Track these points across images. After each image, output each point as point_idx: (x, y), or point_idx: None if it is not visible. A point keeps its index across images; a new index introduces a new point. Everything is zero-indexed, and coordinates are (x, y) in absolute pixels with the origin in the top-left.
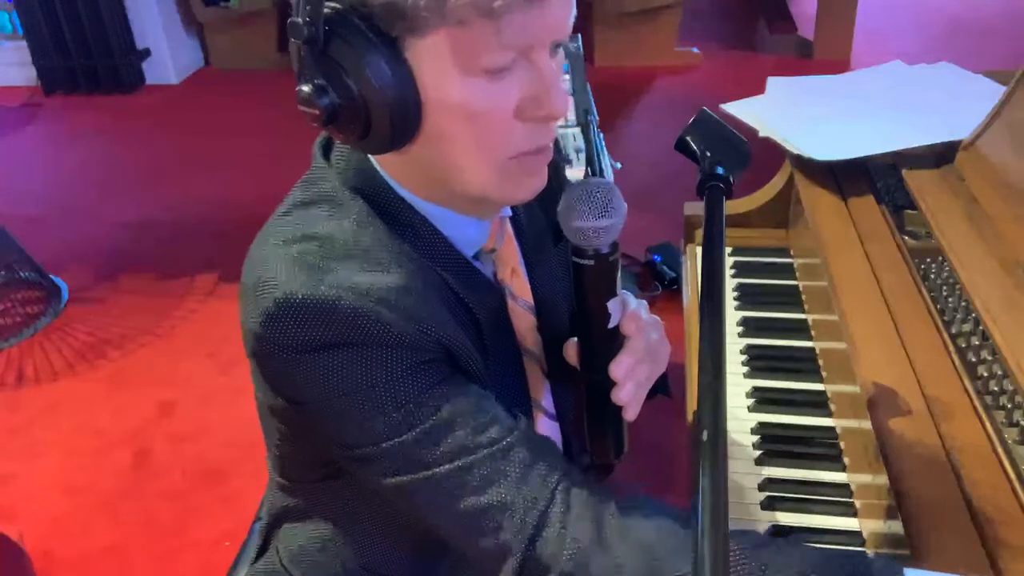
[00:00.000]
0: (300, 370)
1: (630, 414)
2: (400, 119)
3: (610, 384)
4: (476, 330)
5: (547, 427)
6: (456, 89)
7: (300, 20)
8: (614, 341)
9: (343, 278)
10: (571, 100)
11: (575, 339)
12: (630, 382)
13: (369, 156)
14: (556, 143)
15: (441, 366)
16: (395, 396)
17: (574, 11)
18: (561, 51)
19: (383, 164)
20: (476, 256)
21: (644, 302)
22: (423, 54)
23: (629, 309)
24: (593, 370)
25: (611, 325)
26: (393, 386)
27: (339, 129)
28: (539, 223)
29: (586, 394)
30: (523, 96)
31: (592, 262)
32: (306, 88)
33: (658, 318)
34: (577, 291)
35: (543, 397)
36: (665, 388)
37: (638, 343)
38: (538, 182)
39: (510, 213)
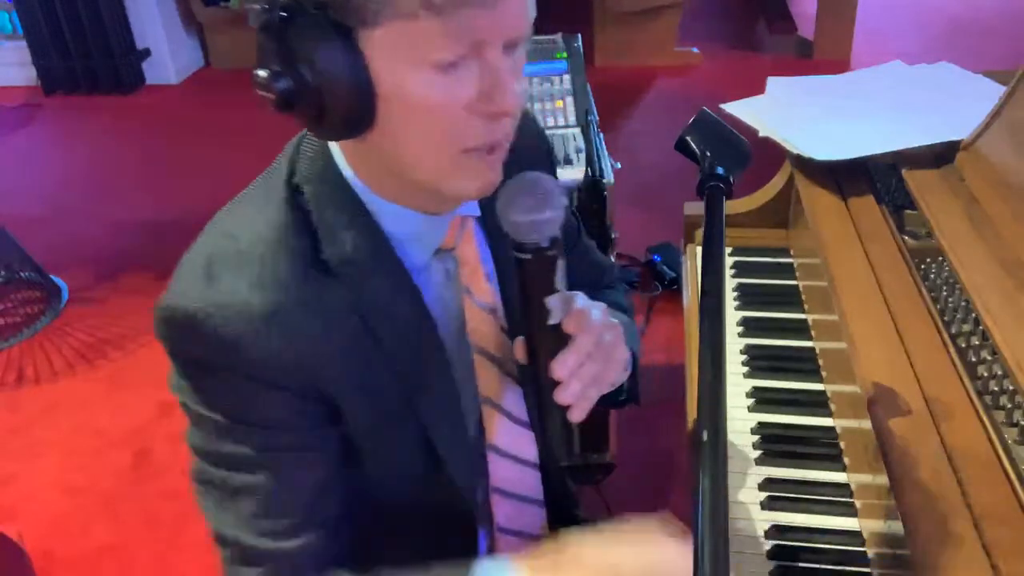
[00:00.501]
0: (172, 364)
1: (574, 415)
2: (352, 108)
3: (554, 384)
4: (377, 338)
5: (507, 430)
6: (407, 81)
7: (258, 7)
8: (559, 339)
9: (225, 292)
10: (571, 100)
11: (522, 337)
12: (574, 382)
13: (330, 145)
14: (548, 143)
15: (289, 399)
16: (219, 417)
17: (531, 11)
18: (522, 50)
19: (344, 153)
20: (436, 254)
21: (602, 304)
22: (375, 45)
23: (575, 307)
24: (537, 368)
25: (552, 322)
26: (221, 407)
27: (295, 115)
28: None
29: (534, 393)
30: (474, 92)
31: (530, 256)
32: (262, 73)
33: (616, 321)
34: (519, 287)
35: (503, 399)
36: (634, 397)
37: (584, 342)
38: (492, 177)
39: (478, 213)
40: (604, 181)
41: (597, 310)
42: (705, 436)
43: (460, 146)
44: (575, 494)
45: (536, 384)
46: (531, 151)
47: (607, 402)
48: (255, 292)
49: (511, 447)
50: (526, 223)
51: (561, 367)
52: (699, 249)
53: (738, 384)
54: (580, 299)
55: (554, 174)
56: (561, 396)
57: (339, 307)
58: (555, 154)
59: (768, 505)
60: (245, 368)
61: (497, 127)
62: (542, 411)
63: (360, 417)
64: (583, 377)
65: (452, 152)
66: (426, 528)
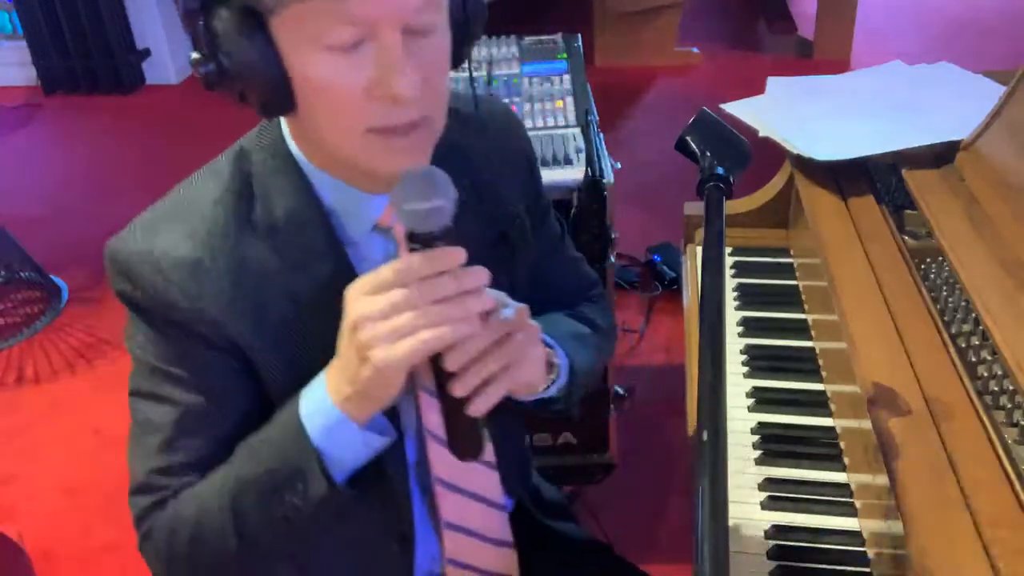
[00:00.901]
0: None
1: (472, 409)
2: (266, 92)
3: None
4: (299, 302)
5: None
6: (307, 64)
7: None
8: None
9: (159, 241)
10: (571, 100)
11: None
12: (469, 375)
13: (280, 120)
14: (527, 149)
15: (192, 347)
16: (146, 357)
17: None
18: (437, 39)
19: (288, 126)
20: (375, 230)
21: (522, 306)
22: (281, 29)
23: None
24: (435, 361)
25: None
26: (147, 348)
27: (223, 94)
28: (482, 222)
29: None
30: (370, 76)
31: (419, 246)
32: (193, 55)
33: (534, 323)
34: None
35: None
36: (571, 407)
37: (482, 337)
38: (404, 159)
39: None
40: (604, 181)
41: (510, 309)
42: (705, 436)
43: (362, 127)
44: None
45: (439, 379)
46: (510, 154)
47: (539, 407)
48: (185, 244)
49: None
50: (417, 212)
51: (453, 359)
52: (699, 249)
53: (738, 384)
54: (490, 295)
55: (534, 180)
56: (454, 388)
57: (263, 269)
58: (535, 160)
59: (768, 505)
60: (167, 313)
61: (398, 111)
62: (442, 404)
63: (280, 381)
64: (480, 372)
65: (357, 132)
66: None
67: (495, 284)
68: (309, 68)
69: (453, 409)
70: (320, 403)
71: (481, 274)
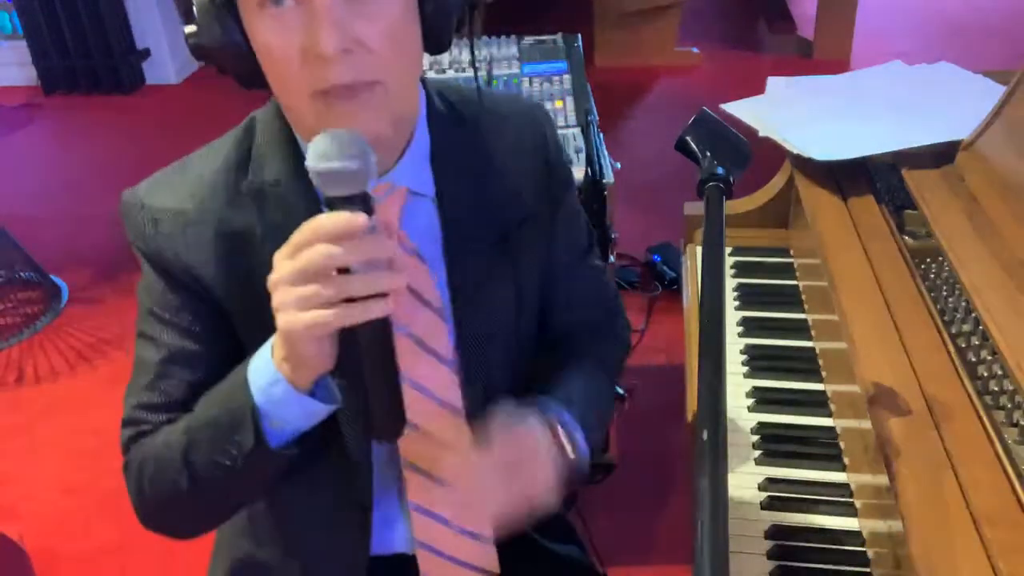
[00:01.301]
0: None
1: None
2: (234, 62)
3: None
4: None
5: (430, 410)
6: (251, 28)
7: None
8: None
9: (159, 194)
10: (571, 100)
11: None
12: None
13: None
14: (545, 140)
15: (180, 296)
16: (147, 301)
17: None
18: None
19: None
20: None
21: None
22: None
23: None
24: (356, 349)
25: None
26: (148, 292)
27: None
28: (482, 222)
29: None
30: (302, 36)
31: (328, 209)
32: (185, 29)
33: (542, 438)
34: None
35: (415, 372)
36: (597, 473)
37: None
38: (351, 123)
39: (426, 192)
40: (604, 181)
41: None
42: (705, 436)
43: (305, 90)
44: None
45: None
46: (525, 154)
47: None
48: (179, 198)
49: (429, 422)
50: (320, 172)
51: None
52: (699, 249)
53: (738, 384)
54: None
55: (554, 184)
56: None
57: (247, 233)
58: (559, 164)
59: (768, 505)
60: (158, 261)
61: (329, 70)
62: (355, 377)
63: (258, 342)
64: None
65: (305, 98)
66: (314, 478)
67: (495, 290)
68: (252, 32)
69: (364, 380)
70: (264, 361)
71: (385, 241)
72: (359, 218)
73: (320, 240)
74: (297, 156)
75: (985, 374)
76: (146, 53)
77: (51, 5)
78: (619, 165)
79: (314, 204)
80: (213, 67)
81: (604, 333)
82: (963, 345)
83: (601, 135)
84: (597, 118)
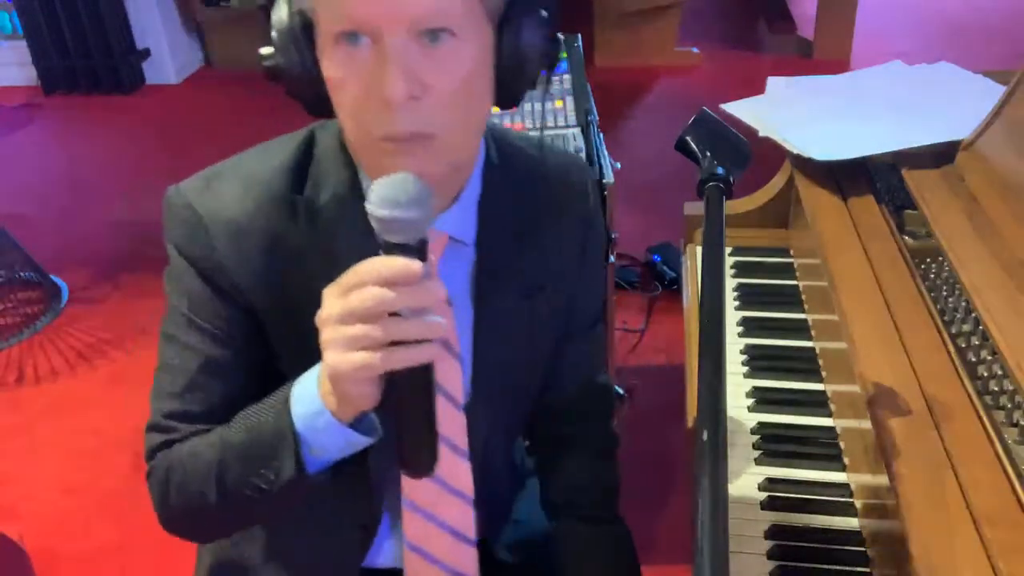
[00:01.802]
0: None
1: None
2: (304, 91)
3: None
4: (318, 294)
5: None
6: (326, 58)
7: None
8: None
9: (210, 196)
10: (571, 100)
11: None
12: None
13: None
14: (586, 195)
15: (220, 303)
16: (180, 304)
17: (441, 2)
18: (451, 49)
19: None
20: None
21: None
22: (317, 28)
23: None
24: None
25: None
26: (182, 296)
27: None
28: (513, 274)
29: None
30: (368, 77)
31: (384, 252)
32: (260, 50)
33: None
34: None
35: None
36: None
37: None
38: (409, 168)
39: (466, 239)
40: (604, 181)
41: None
42: (705, 436)
43: (367, 131)
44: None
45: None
46: (565, 211)
47: None
48: (234, 206)
49: (443, 472)
50: (378, 218)
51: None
52: (699, 249)
53: (738, 384)
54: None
55: (588, 246)
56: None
57: (296, 249)
58: (594, 227)
59: (768, 505)
60: (204, 268)
61: (394, 116)
62: (394, 412)
63: (292, 360)
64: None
65: (366, 137)
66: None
67: (513, 342)
68: (327, 66)
69: (404, 418)
70: (309, 389)
71: (437, 288)
72: (415, 265)
73: (374, 283)
74: (354, 181)
75: (985, 374)
76: (146, 53)
77: (51, 5)
78: (619, 165)
79: (366, 231)
80: (222, 70)
81: (593, 414)
82: (963, 345)
83: (601, 135)
84: (597, 118)
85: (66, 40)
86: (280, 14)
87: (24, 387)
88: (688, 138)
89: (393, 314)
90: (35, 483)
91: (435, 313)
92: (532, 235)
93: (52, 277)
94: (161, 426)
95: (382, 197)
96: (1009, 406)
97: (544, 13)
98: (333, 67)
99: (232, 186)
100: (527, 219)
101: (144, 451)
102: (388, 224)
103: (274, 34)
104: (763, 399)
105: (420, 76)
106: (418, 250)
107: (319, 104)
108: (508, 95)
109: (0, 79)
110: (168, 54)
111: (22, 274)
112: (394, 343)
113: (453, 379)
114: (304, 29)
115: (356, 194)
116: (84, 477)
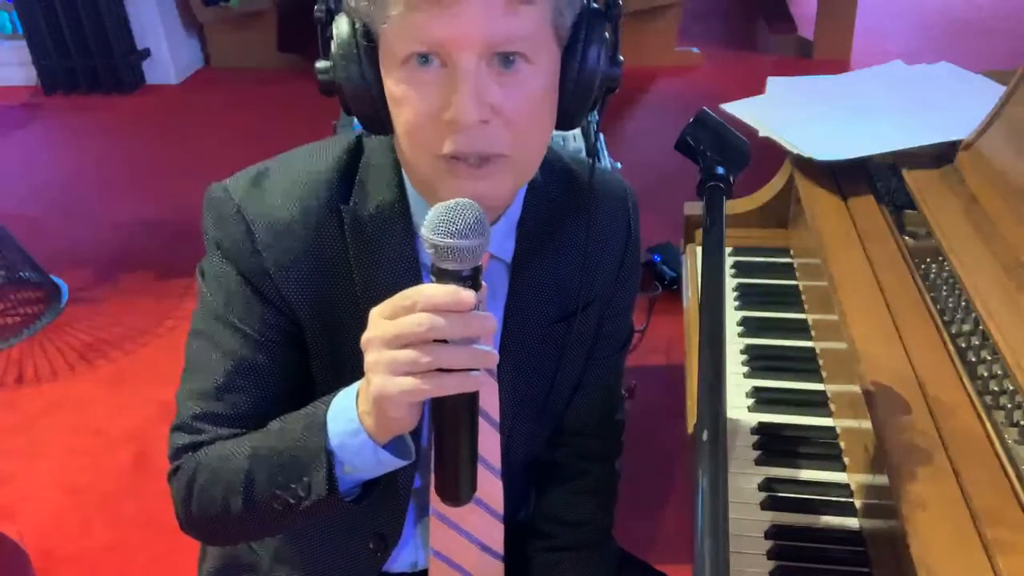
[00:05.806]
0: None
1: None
2: (363, 107)
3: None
4: (358, 306)
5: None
6: (390, 77)
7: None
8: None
9: (256, 195)
10: None
11: None
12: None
13: None
14: (628, 225)
15: (259, 306)
16: (215, 302)
17: (512, 22)
18: (523, 73)
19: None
20: None
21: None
22: (381, 46)
23: None
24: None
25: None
26: (218, 294)
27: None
28: (549, 297)
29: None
30: (438, 98)
31: (435, 278)
32: (317, 64)
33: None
34: None
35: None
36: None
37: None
38: (469, 189)
39: (506, 257)
40: None
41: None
42: (705, 436)
43: (433, 151)
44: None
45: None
46: (608, 239)
47: None
48: (280, 209)
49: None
50: (434, 245)
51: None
52: (699, 249)
53: (738, 384)
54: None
55: (623, 274)
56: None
57: (338, 259)
58: (632, 255)
59: (768, 505)
60: (246, 269)
61: (462, 138)
62: (435, 441)
63: (327, 368)
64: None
65: (429, 156)
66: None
67: (539, 364)
68: (391, 85)
69: (445, 446)
70: (347, 409)
71: (487, 320)
72: (468, 295)
73: (424, 308)
74: (402, 194)
75: (985, 374)
76: (146, 53)
77: (51, 5)
78: (619, 165)
79: (408, 246)
80: (220, 70)
81: (604, 432)
82: (963, 345)
83: (601, 135)
84: (597, 118)
85: (66, 40)
86: (342, 29)
87: (24, 387)
88: (688, 138)
89: (439, 340)
90: (35, 483)
91: (483, 342)
92: (571, 259)
93: (52, 277)
94: (189, 427)
95: (440, 224)
96: (1009, 406)
97: (608, 36)
98: (399, 87)
99: (277, 187)
100: (567, 243)
101: (168, 450)
102: (444, 252)
103: (335, 48)
104: (763, 399)
105: (491, 100)
106: (472, 278)
107: (376, 121)
108: (570, 117)
109: (0, 79)
110: (168, 54)
111: (22, 274)
112: (441, 370)
113: (489, 397)
114: (368, 45)
115: (402, 209)
116: (84, 477)
